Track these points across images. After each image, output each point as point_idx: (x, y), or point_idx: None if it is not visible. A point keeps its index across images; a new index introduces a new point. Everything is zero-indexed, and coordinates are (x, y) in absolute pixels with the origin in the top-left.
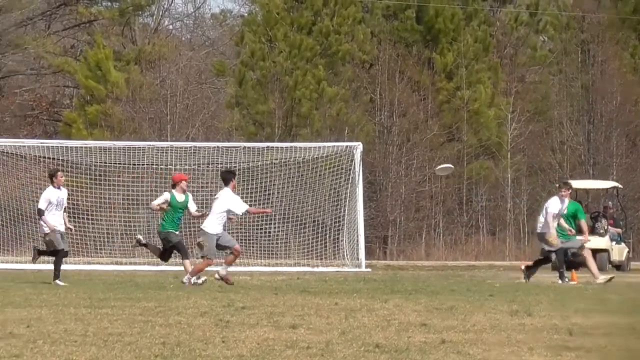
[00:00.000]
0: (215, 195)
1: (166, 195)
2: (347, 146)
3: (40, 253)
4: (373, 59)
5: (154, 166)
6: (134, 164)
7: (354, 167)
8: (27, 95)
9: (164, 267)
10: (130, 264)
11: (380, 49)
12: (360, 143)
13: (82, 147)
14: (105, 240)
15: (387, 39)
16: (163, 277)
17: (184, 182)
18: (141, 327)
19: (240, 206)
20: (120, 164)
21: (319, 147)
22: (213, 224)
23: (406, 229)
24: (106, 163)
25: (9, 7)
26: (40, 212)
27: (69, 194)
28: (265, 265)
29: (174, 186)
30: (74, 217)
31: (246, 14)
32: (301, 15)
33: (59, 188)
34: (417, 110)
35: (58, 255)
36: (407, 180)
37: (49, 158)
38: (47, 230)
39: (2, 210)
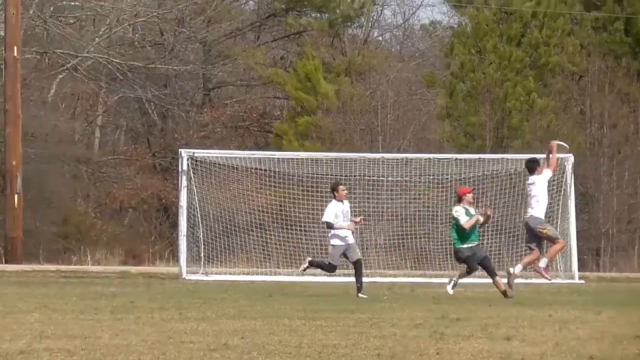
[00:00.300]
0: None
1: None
2: (558, 158)
3: (312, 264)
4: (582, 70)
5: (366, 177)
6: (345, 176)
7: (566, 179)
8: (238, 106)
9: (377, 279)
10: (345, 275)
11: (589, 61)
12: (571, 155)
13: (293, 159)
14: (319, 251)
15: (596, 50)
16: (377, 289)
17: (469, 194)
18: (355, 338)
19: None
20: (331, 175)
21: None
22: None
23: (619, 241)
24: (317, 174)
25: (218, 18)
26: (330, 225)
27: (280, 206)
28: (478, 277)
29: (459, 200)
30: (287, 229)
31: (456, 26)
32: (510, 27)
33: (341, 201)
34: (627, 122)
35: (357, 265)
36: (618, 192)
37: (260, 169)
38: (334, 242)
39: (215, 222)
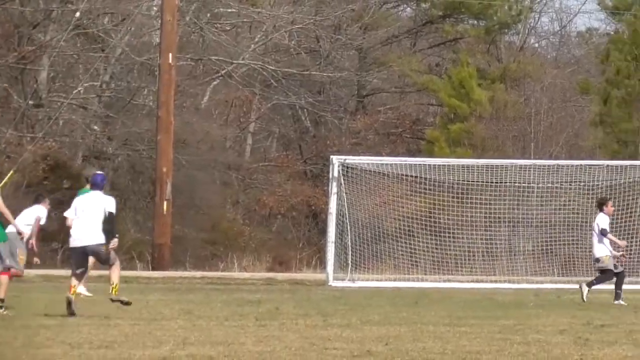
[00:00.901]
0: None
1: None
2: None
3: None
4: None
5: (516, 184)
6: (496, 182)
7: None
8: (391, 113)
9: (524, 285)
10: (491, 282)
11: None
12: None
13: (443, 165)
14: (466, 258)
15: None
16: (523, 295)
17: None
18: (500, 345)
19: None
20: (482, 182)
21: None
22: None
23: None
24: (468, 181)
25: (375, 25)
26: (605, 232)
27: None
28: (628, 283)
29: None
30: (435, 235)
31: (612, 32)
32: None
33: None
34: None
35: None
36: None
37: (411, 176)
38: (609, 252)
39: (363, 228)
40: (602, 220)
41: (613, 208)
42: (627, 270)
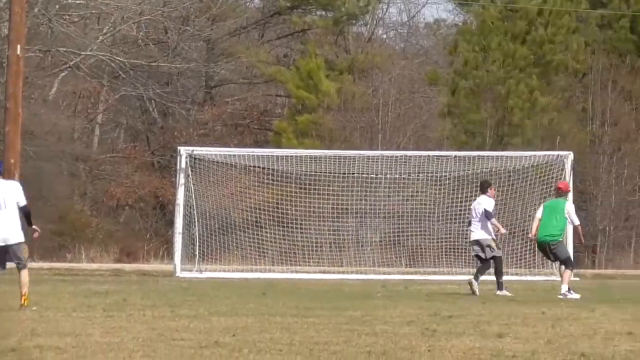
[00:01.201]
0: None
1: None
2: (557, 155)
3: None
4: (586, 68)
5: (364, 175)
6: (344, 173)
7: (564, 177)
8: (239, 104)
9: (372, 276)
10: (339, 272)
11: (593, 59)
12: (571, 152)
13: (292, 156)
14: (314, 249)
15: (601, 48)
16: (371, 286)
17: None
18: (347, 336)
19: None
20: (330, 173)
21: (530, 157)
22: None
23: (615, 238)
24: (316, 172)
25: (222, 16)
26: (490, 215)
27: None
28: (473, 274)
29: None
30: (283, 227)
31: (460, 23)
32: (515, 24)
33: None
34: (629, 119)
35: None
36: (617, 189)
37: (258, 167)
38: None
39: (211, 219)
40: (487, 203)
41: (495, 191)
42: (475, 262)
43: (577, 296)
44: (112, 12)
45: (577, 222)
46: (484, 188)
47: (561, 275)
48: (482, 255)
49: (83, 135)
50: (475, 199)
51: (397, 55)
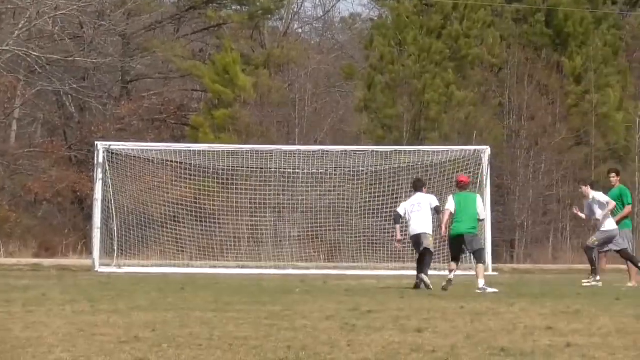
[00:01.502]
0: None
1: None
2: (475, 150)
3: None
4: (502, 62)
5: (281, 170)
6: (261, 168)
7: (482, 171)
8: (155, 99)
9: (291, 271)
10: (257, 267)
11: (509, 53)
12: (488, 147)
13: (209, 151)
14: (232, 243)
15: (517, 42)
16: (290, 281)
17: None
18: (267, 330)
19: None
20: (247, 168)
21: (447, 151)
22: None
23: (533, 233)
24: (233, 167)
25: (138, 11)
26: (439, 210)
27: (195, 198)
28: (391, 268)
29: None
30: (201, 221)
31: (376, 18)
32: (431, 19)
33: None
34: (546, 114)
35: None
36: (534, 184)
37: (176, 162)
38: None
39: (129, 214)
40: (433, 199)
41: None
42: (393, 256)
43: (495, 290)
44: (27, 7)
45: (483, 216)
46: (421, 186)
47: (476, 271)
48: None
49: (0, 130)
50: (410, 196)
51: (313, 49)
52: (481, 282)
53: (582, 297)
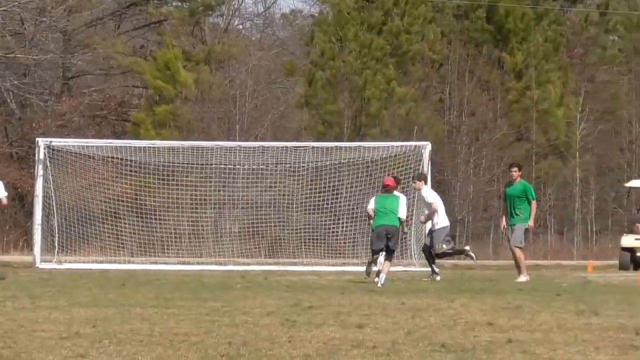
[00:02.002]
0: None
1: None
2: (415, 146)
3: None
4: (443, 58)
5: (222, 166)
6: (202, 164)
7: (422, 167)
8: (96, 95)
9: (231, 267)
10: (198, 263)
11: (450, 49)
12: (429, 143)
13: (150, 147)
14: (173, 240)
15: (457, 38)
16: (231, 277)
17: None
18: (207, 327)
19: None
20: (188, 164)
21: (388, 147)
22: None
23: (474, 228)
24: (174, 163)
25: (78, 7)
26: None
27: (136, 195)
28: (332, 264)
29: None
30: (141, 217)
31: (316, 14)
32: (371, 14)
33: None
34: (486, 109)
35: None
36: (475, 179)
37: (116, 158)
38: None
39: (70, 211)
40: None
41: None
42: (334, 253)
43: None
44: None
45: (403, 215)
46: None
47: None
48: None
49: None
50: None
51: (254, 46)
52: (383, 277)
53: (523, 293)
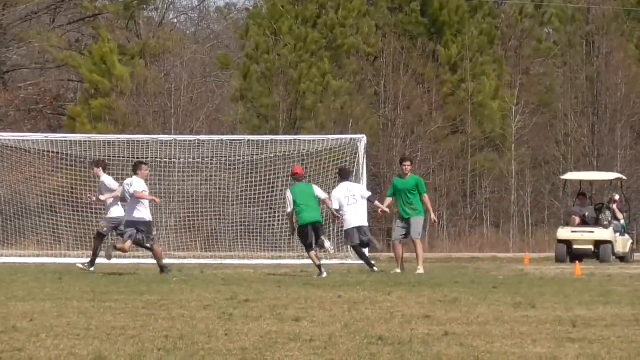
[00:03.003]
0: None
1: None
2: (351, 139)
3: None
4: (378, 51)
5: (158, 160)
6: (138, 158)
7: (358, 160)
8: (32, 89)
9: (168, 261)
10: (134, 257)
11: (385, 42)
12: (364, 136)
13: (86, 141)
14: (110, 233)
15: (392, 31)
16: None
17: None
18: (144, 320)
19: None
20: (124, 157)
21: (323, 140)
22: None
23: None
24: (110, 157)
25: (13, 1)
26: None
27: (72, 188)
28: (268, 258)
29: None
30: (78, 211)
31: (251, 7)
32: (306, 8)
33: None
34: (422, 102)
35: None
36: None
37: (53, 152)
38: None
39: (6, 205)
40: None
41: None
42: (270, 246)
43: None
44: None
45: (324, 195)
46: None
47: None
48: (364, 239)
49: None
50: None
51: (189, 39)
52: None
53: (460, 286)
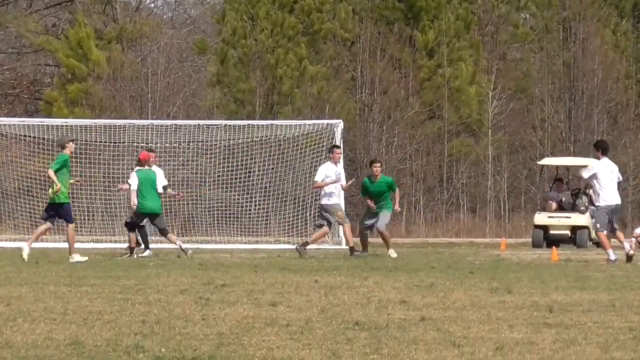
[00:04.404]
0: None
1: None
2: (327, 124)
3: None
4: (355, 37)
5: (135, 144)
6: (115, 142)
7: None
8: (8, 73)
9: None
10: (110, 241)
11: (361, 27)
12: (341, 121)
13: (62, 126)
14: (85, 218)
15: (369, 16)
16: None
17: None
18: (121, 305)
19: None
20: (100, 142)
21: (300, 125)
22: None
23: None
24: (87, 141)
25: None
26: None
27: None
28: (245, 242)
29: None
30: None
31: None
32: None
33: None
34: (398, 88)
35: None
36: (387, 157)
37: (29, 137)
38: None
39: None
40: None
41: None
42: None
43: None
44: None
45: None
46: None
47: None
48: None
49: None
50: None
51: (165, 24)
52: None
53: (436, 271)
